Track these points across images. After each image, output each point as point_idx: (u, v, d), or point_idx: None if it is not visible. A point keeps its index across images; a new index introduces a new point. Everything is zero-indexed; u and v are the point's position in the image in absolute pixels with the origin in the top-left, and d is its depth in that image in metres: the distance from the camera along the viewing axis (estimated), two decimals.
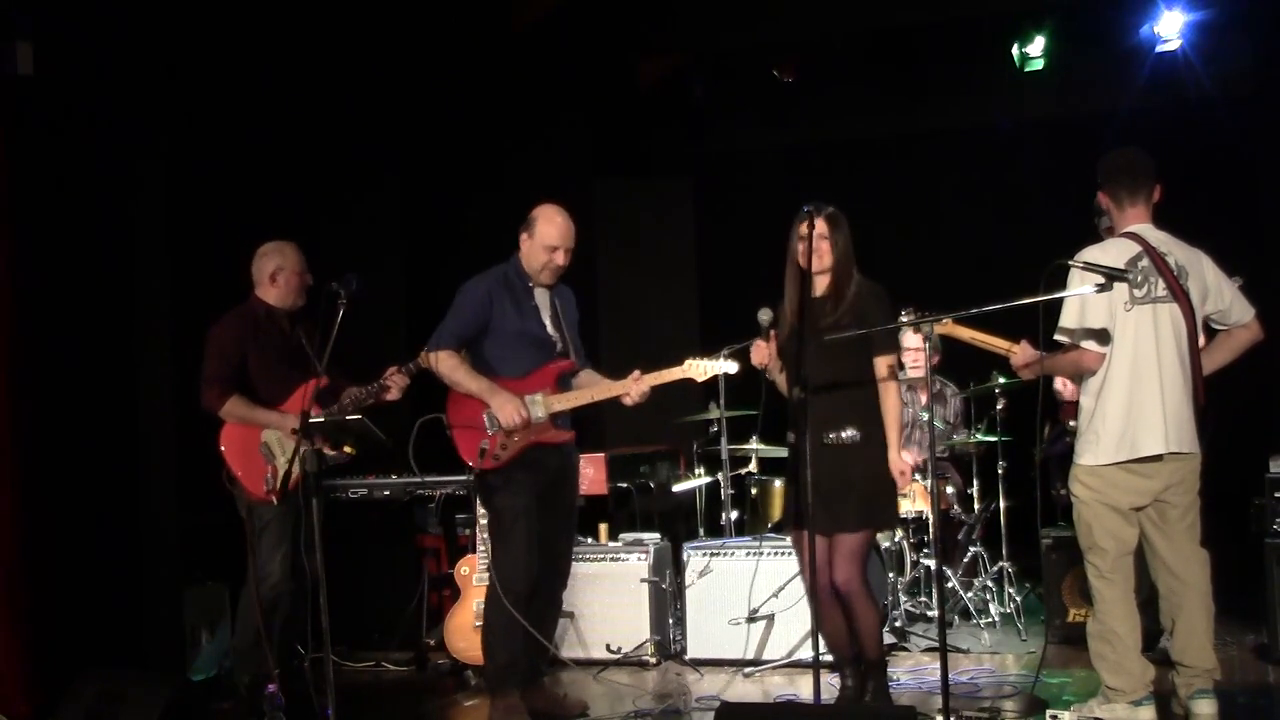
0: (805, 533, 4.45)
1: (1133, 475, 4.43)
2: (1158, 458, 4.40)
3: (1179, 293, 4.44)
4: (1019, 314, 4.27)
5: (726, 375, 6.26)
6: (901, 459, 4.69)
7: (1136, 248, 4.45)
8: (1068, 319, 4.44)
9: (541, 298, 5.15)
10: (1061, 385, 5.77)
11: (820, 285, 4.71)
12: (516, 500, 5.00)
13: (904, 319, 4.81)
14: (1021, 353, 4.59)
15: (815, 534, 4.46)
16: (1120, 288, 4.33)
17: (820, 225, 4.63)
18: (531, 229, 5.09)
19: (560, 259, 5.08)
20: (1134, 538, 4.51)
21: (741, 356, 5.03)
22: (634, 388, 5.01)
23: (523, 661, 5.06)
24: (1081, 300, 4.37)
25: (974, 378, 6.70)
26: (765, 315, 4.66)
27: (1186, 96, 7.74)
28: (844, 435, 4.62)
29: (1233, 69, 7.71)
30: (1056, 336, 4.47)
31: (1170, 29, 7.51)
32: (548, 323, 5.15)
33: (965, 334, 4.80)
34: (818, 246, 4.63)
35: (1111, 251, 4.44)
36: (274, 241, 5.36)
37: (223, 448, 5.19)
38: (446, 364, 5.04)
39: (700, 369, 5.06)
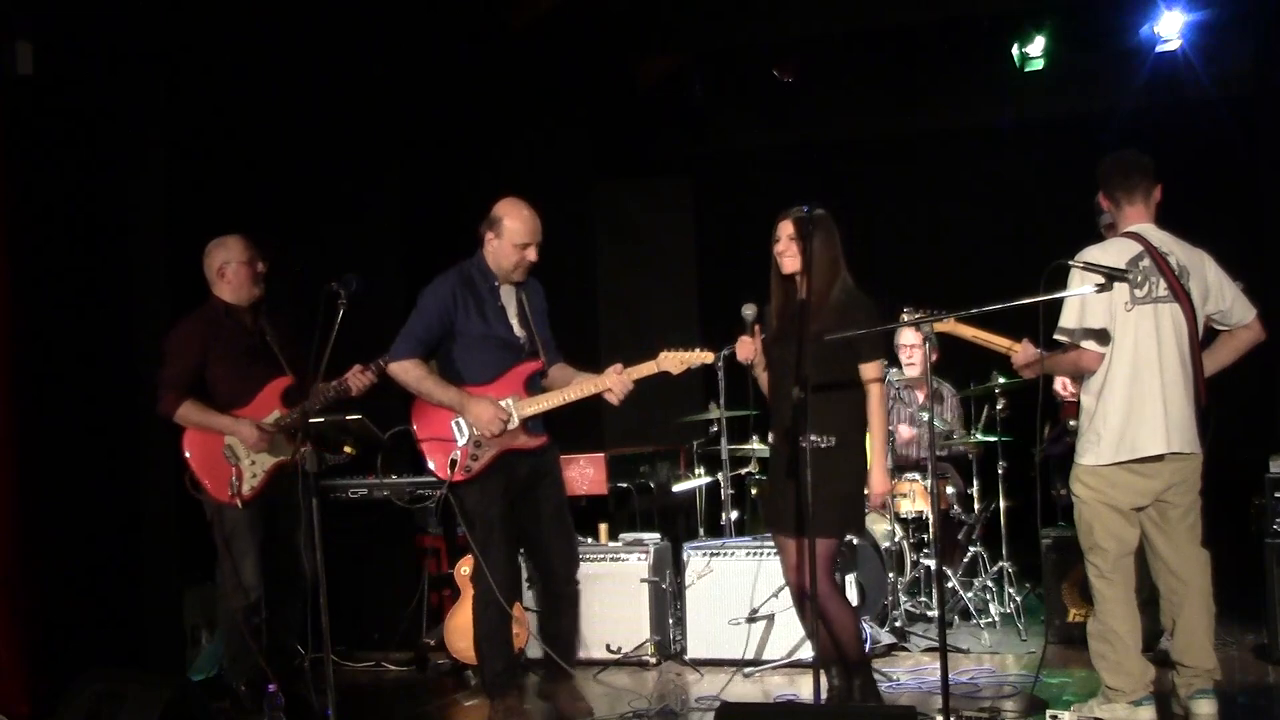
0: (784, 532, 4.46)
1: (1134, 475, 4.43)
2: (1159, 458, 4.40)
3: (1180, 292, 4.44)
4: (1019, 314, 4.27)
5: (722, 374, 6.33)
6: (884, 479, 4.62)
7: (1138, 247, 4.46)
8: (1067, 319, 4.44)
9: (508, 296, 4.99)
10: (1061, 387, 5.77)
11: (801, 289, 4.64)
12: (489, 511, 4.89)
13: (905, 317, 4.80)
14: (1023, 352, 4.60)
15: (795, 535, 4.47)
16: (1120, 288, 4.33)
17: (787, 227, 4.60)
18: (498, 227, 4.91)
19: (532, 255, 4.91)
20: (1135, 538, 4.51)
21: (732, 357, 5.00)
22: (617, 382, 4.83)
23: (519, 663, 5.04)
24: (1081, 300, 4.37)
25: (974, 378, 6.70)
26: (749, 310, 4.63)
27: (1186, 96, 7.74)
28: (820, 440, 4.53)
29: (1233, 69, 7.71)
30: (1056, 336, 4.47)
31: (1170, 29, 7.51)
32: (514, 323, 4.98)
33: (968, 332, 4.79)
34: (787, 249, 4.60)
35: (1112, 251, 4.44)
36: (218, 238, 5.28)
37: (187, 452, 5.12)
38: (412, 374, 4.87)
39: (675, 361, 4.85)
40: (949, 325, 4.71)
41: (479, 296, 4.93)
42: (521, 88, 8.03)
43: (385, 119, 7.50)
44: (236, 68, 6.39)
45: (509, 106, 8.05)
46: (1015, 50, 7.91)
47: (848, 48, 8.34)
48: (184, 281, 6.18)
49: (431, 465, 4.94)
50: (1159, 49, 7.62)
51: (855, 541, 5.97)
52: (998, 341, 4.75)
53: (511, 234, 4.89)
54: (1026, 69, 7.95)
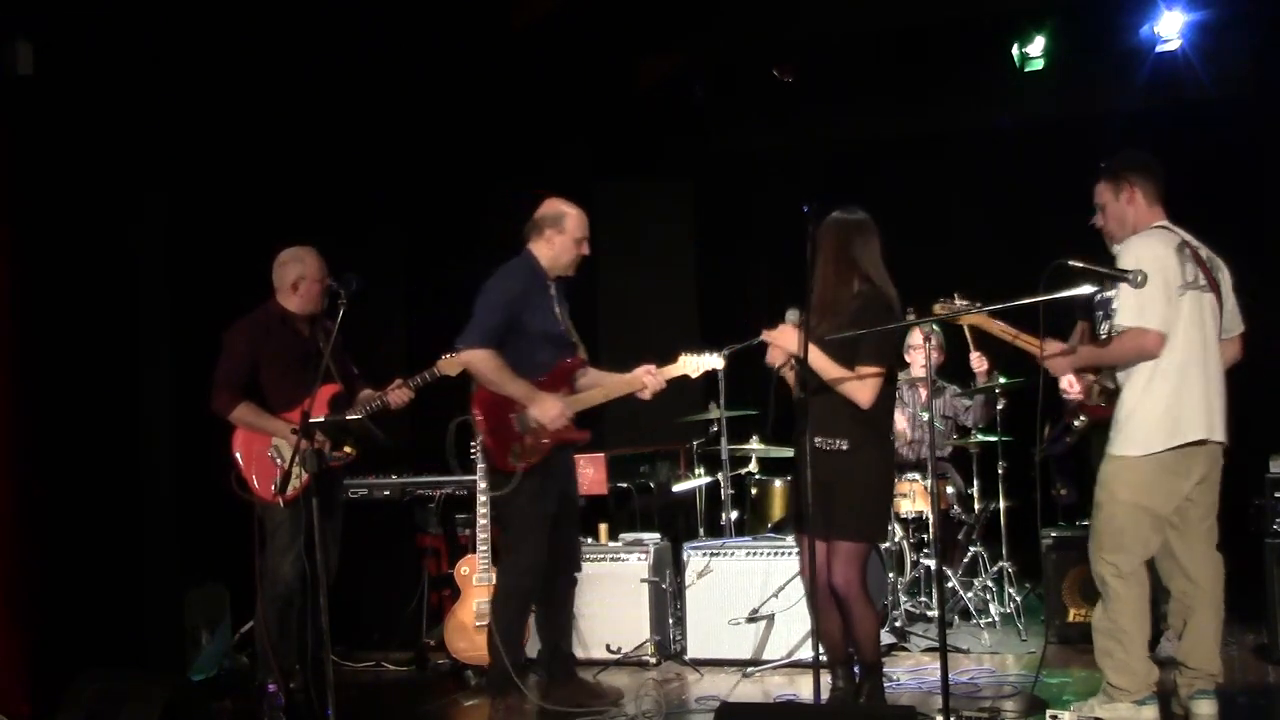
0: (801, 531, 4.45)
1: (1171, 475, 4.39)
2: (1200, 443, 4.37)
3: (1212, 283, 4.44)
4: (1019, 312, 4.26)
5: (724, 375, 6.34)
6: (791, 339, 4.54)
7: (1177, 237, 4.45)
8: (1125, 316, 4.34)
9: (554, 294, 5.17)
10: (1068, 385, 5.70)
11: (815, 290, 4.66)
12: (546, 504, 5.03)
13: (941, 308, 4.76)
14: (1053, 350, 4.54)
15: (805, 535, 4.44)
16: (1173, 272, 4.31)
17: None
18: (559, 224, 5.11)
19: (585, 249, 5.16)
20: (1159, 544, 4.49)
21: (739, 357, 5.03)
22: (652, 380, 5.05)
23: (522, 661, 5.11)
24: (1135, 292, 4.27)
25: (973, 378, 6.69)
26: (793, 315, 4.61)
27: (1186, 96, 7.73)
28: (834, 443, 4.55)
29: (1233, 69, 7.70)
30: (1116, 330, 4.37)
31: (1170, 29, 7.50)
32: (560, 319, 5.15)
33: (995, 327, 4.75)
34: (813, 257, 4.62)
35: (1156, 241, 4.41)
36: (294, 248, 5.32)
37: (236, 452, 5.20)
38: (488, 364, 4.96)
39: (695, 365, 5.11)
40: (979, 319, 4.66)
41: (539, 293, 5.09)
42: (522, 88, 8.03)
43: (385, 119, 7.50)
44: (237, 67, 6.39)
45: (509, 107, 8.04)
46: (1015, 50, 7.90)
47: (848, 49, 8.32)
48: (187, 282, 6.21)
49: (493, 454, 5.04)
50: (1159, 49, 7.61)
51: None
52: (1026, 339, 4.69)
53: (574, 228, 5.11)
54: (1026, 69, 7.94)
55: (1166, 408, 4.37)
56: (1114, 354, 4.47)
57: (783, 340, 4.61)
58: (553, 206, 5.18)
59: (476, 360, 4.97)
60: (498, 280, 5.06)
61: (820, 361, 4.48)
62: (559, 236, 5.11)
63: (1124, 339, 4.37)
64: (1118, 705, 4.42)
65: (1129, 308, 4.34)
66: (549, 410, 4.96)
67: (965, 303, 4.71)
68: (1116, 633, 4.44)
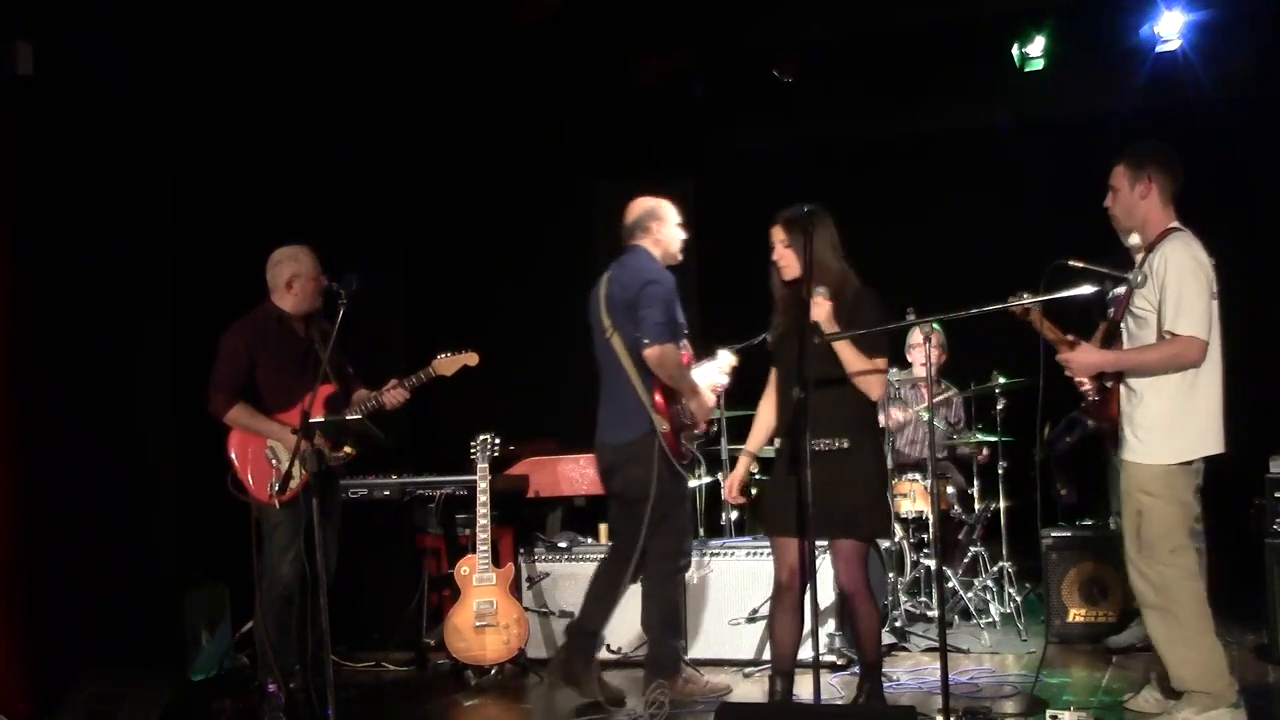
0: (789, 533, 4.46)
1: (1196, 479, 4.39)
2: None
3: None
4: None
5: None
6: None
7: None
8: (1180, 324, 4.25)
9: None
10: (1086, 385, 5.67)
11: (805, 290, 4.62)
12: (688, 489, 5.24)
13: (911, 316, 4.74)
14: (1082, 355, 4.48)
15: (804, 537, 4.43)
16: (1209, 278, 4.28)
17: (779, 233, 4.57)
18: (659, 214, 5.20)
19: (684, 230, 5.29)
20: None
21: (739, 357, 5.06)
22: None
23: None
24: (1189, 299, 4.25)
25: (974, 378, 6.69)
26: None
27: (1186, 96, 7.72)
28: (832, 443, 4.54)
29: (1233, 69, 7.70)
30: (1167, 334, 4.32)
31: (1170, 29, 7.49)
32: None
33: (1046, 327, 4.67)
34: (783, 256, 4.58)
35: (1198, 247, 4.37)
36: (287, 247, 5.32)
37: (231, 453, 5.20)
38: (674, 357, 5.01)
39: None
40: (1037, 319, 4.55)
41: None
42: (522, 88, 8.03)
43: (386, 120, 7.50)
44: (238, 68, 6.39)
45: (509, 107, 8.04)
46: (1015, 50, 7.89)
47: (848, 48, 8.32)
48: (187, 281, 6.21)
49: (670, 446, 5.06)
50: (1159, 49, 7.59)
51: None
52: (1058, 337, 4.63)
53: (672, 213, 5.22)
54: (1026, 69, 7.93)
55: (1207, 415, 4.33)
56: (1159, 359, 4.34)
57: (819, 313, 4.48)
58: (642, 203, 5.23)
59: (668, 355, 4.99)
60: (654, 277, 5.08)
61: (848, 352, 4.46)
62: (664, 226, 5.19)
63: (1174, 344, 4.28)
64: (1213, 713, 4.31)
65: (1182, 314, 4.25)
66: (706, 404, 5.15)
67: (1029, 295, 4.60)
68: (1194, 638, 4.32)
